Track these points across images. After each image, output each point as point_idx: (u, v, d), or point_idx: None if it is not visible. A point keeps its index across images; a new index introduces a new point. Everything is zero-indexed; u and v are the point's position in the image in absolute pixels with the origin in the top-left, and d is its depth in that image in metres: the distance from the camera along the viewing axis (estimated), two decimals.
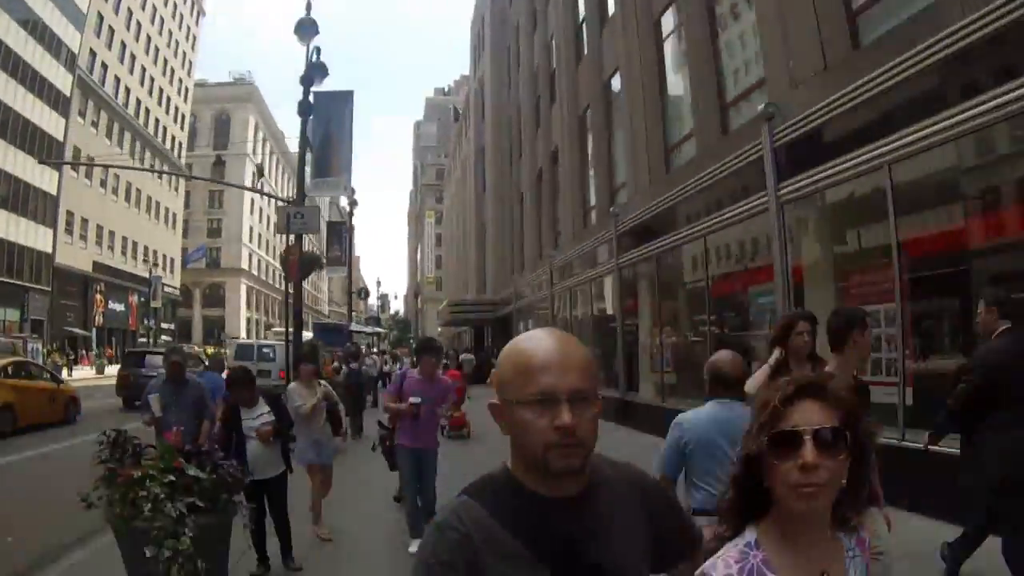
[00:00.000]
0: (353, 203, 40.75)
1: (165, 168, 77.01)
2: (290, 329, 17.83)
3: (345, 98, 20.89)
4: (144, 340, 65.82)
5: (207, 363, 17.40)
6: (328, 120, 19.82)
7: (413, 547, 7.26)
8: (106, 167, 58.45)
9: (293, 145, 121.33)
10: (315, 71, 17.26)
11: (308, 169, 19.70)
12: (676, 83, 18.61)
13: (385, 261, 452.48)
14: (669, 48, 18.74)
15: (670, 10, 17.85)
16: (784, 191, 11.62)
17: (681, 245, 16.59)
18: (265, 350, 29.34)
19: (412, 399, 7.93)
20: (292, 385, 9.39)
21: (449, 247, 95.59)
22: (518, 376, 1.65)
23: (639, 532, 1.79)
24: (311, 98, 17.99)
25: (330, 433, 9.26)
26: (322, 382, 9.62)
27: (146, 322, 68.91)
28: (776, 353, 5.36)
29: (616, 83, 22.06)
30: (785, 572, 1.68)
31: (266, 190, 76.34)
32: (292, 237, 17.55)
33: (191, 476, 5.56)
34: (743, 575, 1.67)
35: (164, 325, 74.41)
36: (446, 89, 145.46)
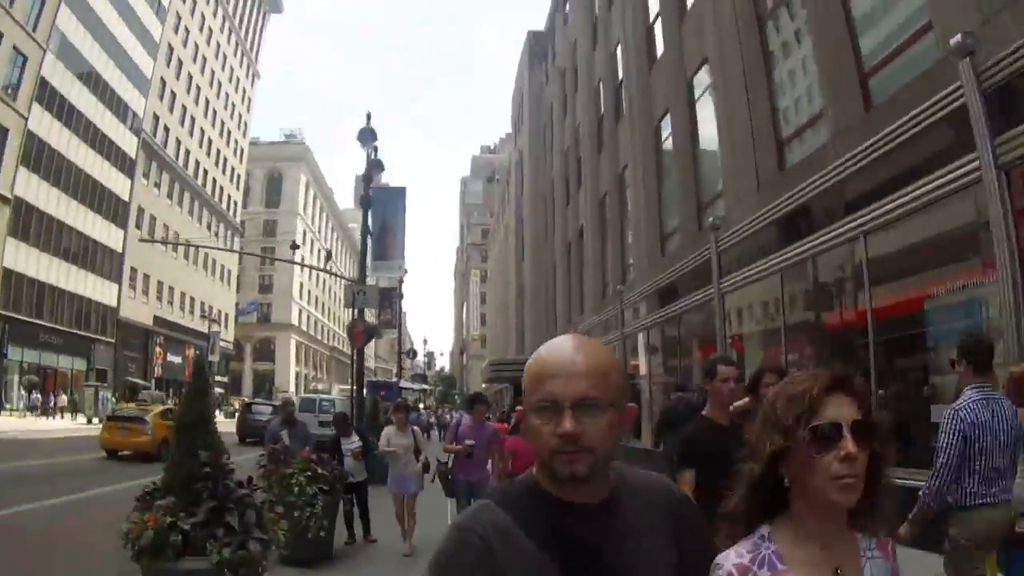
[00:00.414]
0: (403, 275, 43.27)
1: (223, 230, 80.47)
2: (354, 387, 20.22)
3: (399, 193, 24.55)
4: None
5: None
6: (384, 211, 22.86)
7: None
8: (191, 246, 62.79)
9: (341, 201, 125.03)
10: (374, 168, 19.36)
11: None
12: (670, 181, 21.18)
13: (431, 314, 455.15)
14: (668, 148, 21.13)
15: (667, 117, 20.17)
16: (724, 284, 15.59)
17: (667, 319, 19.88)
18: (324, 403, 33.64)
19: (467, 441, 9.63)
20: (388, 429, 11.33)
21: (492, 306, 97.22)
22: (531, 382, 1.66)
23: (663, 546, 1.74)
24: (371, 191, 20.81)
25: (416, 470, 10.85)
26: (415, 429, 11.58)
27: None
28: (747, 400, 5.52)
29: (628, 175, 24.34)
30: (797, 566, 1.69)
31: (333, 270, 79.41)
32: (356, 311, 20.25)
33: (320, 473, 9.63)
34: (755, 563, 1.69)
35: (218, 378, 76.51)
36: (492, 147, 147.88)
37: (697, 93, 18.68)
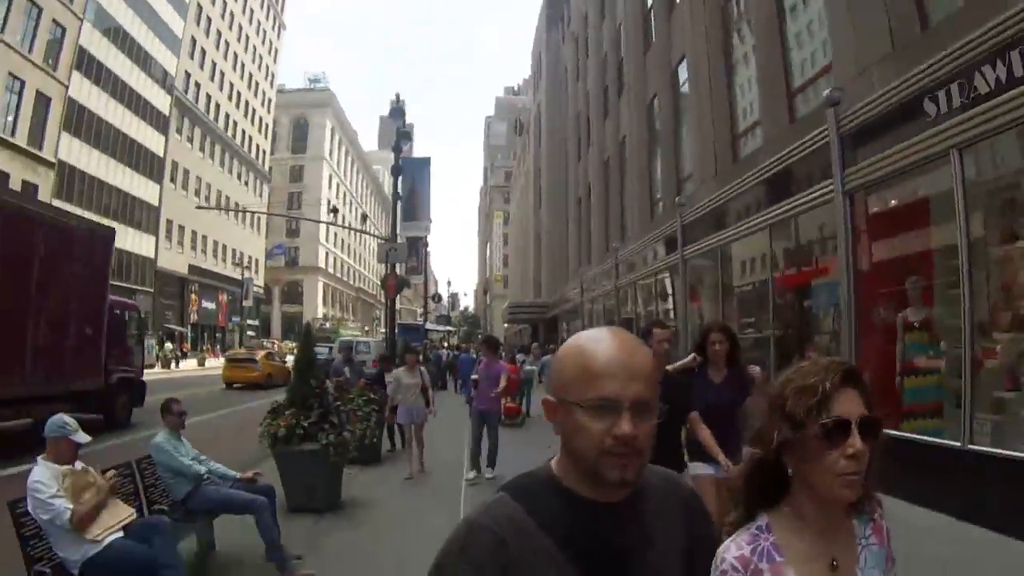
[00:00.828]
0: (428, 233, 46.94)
1: (252, 178, 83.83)
2: (384, 330, 23.55)
3: (425, 162, 28.39)
4: (234, 335, 72.85)
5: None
6: (413, 178, 26.46)
7: (468, 475, 11.80)
8: (239, 211, 67.92)
9: (366, 144, 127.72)
10: (403, 138, 22.56)
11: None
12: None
13: (455, 251, 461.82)
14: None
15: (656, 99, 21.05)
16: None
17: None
18: (361, 346, 35.78)
19: (474, 376, 12.72)
20: (398, 370, 13.22)
21: (514, 249, 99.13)
22: (580, 378, 1.56)
23: (678, 544, 1.69)
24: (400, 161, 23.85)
25: (422, 403, 12.77)
26: (422, 368, 13.43)
27: (233, 319, 75.15)
28: (692, 357, 6.37)
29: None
30: (794, 557, 1.69)
31: (371, 231, 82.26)
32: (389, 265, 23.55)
33: (372, 397, 12.81)
34: (755, 555, 1.70)
35: (249, 321, 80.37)
36: (515, 88, 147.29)
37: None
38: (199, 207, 60.40)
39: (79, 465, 5.41)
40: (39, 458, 5.27)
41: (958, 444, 8.34)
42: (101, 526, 5.17)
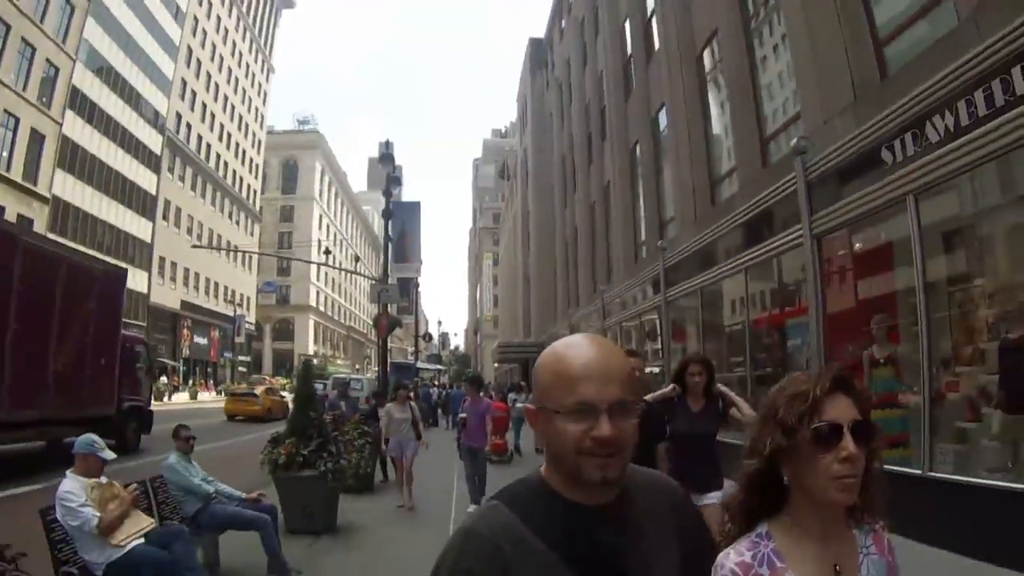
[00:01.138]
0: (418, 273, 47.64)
1: (243, 217, 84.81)
2: (375, 368, 23.93)
3: (415, 206, 29.75)
4: (225, 370, 73.25)
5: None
6: (404, 221, 27.32)
7: (469, 508, 11.55)
8: (234, 251, 68.25)
9: (355, 184, 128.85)
10: (393, 183, 23.27)
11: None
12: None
13: (445, 292, 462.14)
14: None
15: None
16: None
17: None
18: (354, 383, 35.73)
19: (462, 414, 13.13)
20: (390, 405, 13.58)
21: (504, 290, 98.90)
22: (557, 384, 1.60)
23: (670, 544, 1.71)
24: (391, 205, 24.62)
25: (412, 436, 13.17)
26: (412, 404, 13.86)
27: (225, 355, 75.68)
28: (672, 387, 6.55)
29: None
30: (796, 562, 1.70)
31: (365, 273, 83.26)
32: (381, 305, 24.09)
33: (365, 430, 13.60)
34: (755, 561, 1.72)
35: (241, 357, 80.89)
36: (503, 130, 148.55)
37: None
38: (195, 246, 61.05)
39: (104, 479, 5.96)
40: (68, 472, 5.85)
41: (919, 472, 8.86)
42: (124, 533, 5.72)
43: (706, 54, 18.40)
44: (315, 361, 78.43)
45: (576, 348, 1.65)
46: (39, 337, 15.05)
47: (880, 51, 10.74)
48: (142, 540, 5.78)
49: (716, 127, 18.09)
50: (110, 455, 6.11)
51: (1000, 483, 7.74)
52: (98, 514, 5.59)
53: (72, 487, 5.63)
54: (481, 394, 14.02)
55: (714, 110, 18.18)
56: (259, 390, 38.82)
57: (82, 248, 43.55)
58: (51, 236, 35.11)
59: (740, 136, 15.81)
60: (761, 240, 13.89)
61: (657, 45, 22.24)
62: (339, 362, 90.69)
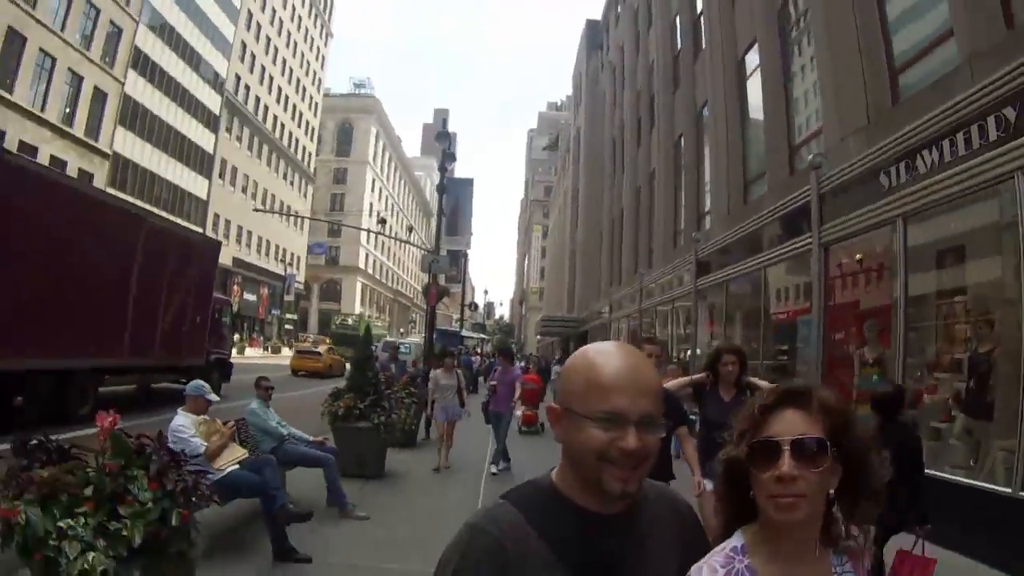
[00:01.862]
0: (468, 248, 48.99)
1: (297, 178, 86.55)
2: (420, 333, 25.23)
3: (468, 183, 31.20)
4: (272, 327, 75.38)
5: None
6: (457, 197, 28.58)
7: (492, 469, 13.05)
8: (299, 216, 69.14)
9: (409, 150, 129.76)
10: (448, 159, 24.51)
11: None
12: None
13: (494, 260, 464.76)
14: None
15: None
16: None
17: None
18: (403, 347, 38.32)
19: (491, 381, 14.40)
20: (437, 371, 14.41)
21: (551, 263, 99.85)
22: (589, 389, 1.61)
23: (673, 557, 1.73)
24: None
25: (457, 403, 13.83)
26: (458, 372, 14.65)
27: (273, 312, 77.79)
28: (704, 375, 6.72)
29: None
30: None
31: (413, 240, 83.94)
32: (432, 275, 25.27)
33: (412, 391, 14.96)
34: None
35: (288, 315, 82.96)
36: (559, 104, 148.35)
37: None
38: (256, 210, 62.96)
39: (207, 417, 7.45)
40: (180, 409, 7.37)
41: None
42: (224, 459, 7.19)
43: (748, 59, 19.29)
44: (348, 320, 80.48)
45: (610, 357, 1.66)
46: (153, 298, 18.09)
47: (895, 79, 11.83)
48: (237, 466, 7.25)
49: (752, 130, 19.09)
50: (215, 397, 7.67)
51: (962, 479, 8.91)
52: (204, 443, 7.05)
53: (183, 422, 7.08)
54: (512, 365, 14.98)
55: (752, 113, 19.15)
56: (322, 348, 43.02)
57: (140, 203, 45.49)
58: (110, 190, 37.17)
59: (772, 141, 16.90)
60: (779, 243, 15.18)
61: (704, 44, 23.24)
62: (378, 323, 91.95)
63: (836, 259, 13.03)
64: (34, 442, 4.33)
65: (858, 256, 12.66)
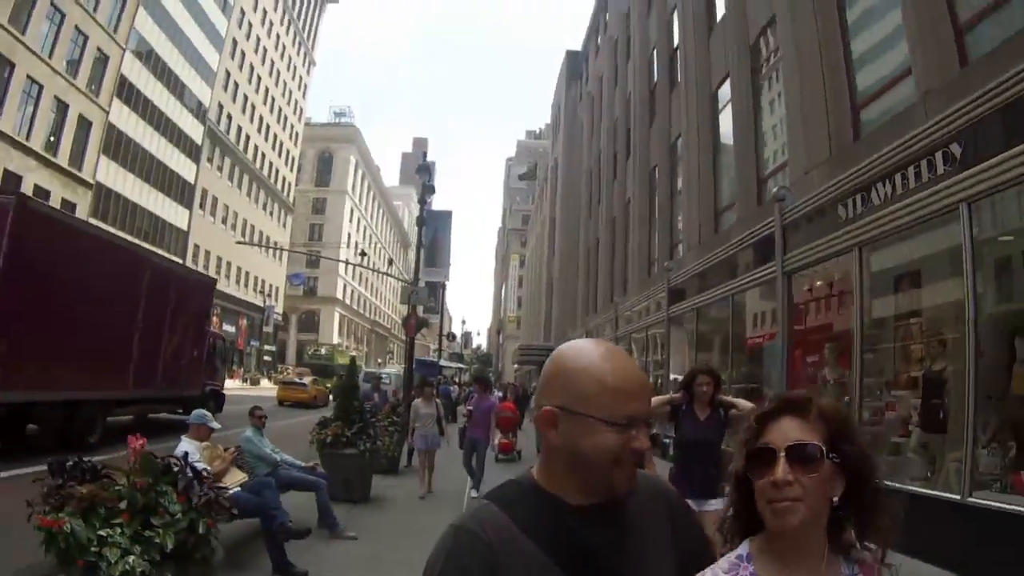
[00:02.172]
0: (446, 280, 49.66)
1: (276, 208, 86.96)
2: (396, 363, 25.81)
3: (447, 215, 31.62)
4: (251, 359, 75.38)
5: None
6: (436, 229, 29.35)
7: (472, 492, 13.46)
8: (282, 249, 69.92)
9: (387, 179, 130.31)
10: (427, 192, 25.08)
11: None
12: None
13: (471, 289, 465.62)
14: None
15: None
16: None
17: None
18: (384, 377, 37.94)
19: (468, 407, 14.87)
20: (417, 400, 14.73)
21: (528, 292, 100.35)
22: (605, 393, 1.61)
23: (664, 546, 1.75)
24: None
25: (436, 431, 14.32)
26: (437, 401, 15.09)
27: (252, 343, 77.76)
28: (681, 393, 6.95)
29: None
30: None
31: (392, 272, 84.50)
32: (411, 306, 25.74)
33: (395, 420, 15.68)
34: None
35: (266, 347, 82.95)
36: (537, 132, 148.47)
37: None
38: (239, 242, 63.47)
39: (209, 443, 7.95)
40: (184, 436, 7.86)
41: None
42: (226, 482, 7.69)
43: (720, 92, 19.97)
44: (321, 351, 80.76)
45: (618, 358, 1.68)
46: (156, 334, 19.29)
47: (857, 115, 12.50)
48: (239, 488, 7.74)
49: (723, 161, 19.76)
50: (216, 425, 8.20)
51: (920, 489, 9.47)
52: (208, 467, 7.52)
53: (188, 447, 7.53)
54: (488, 393, 15.61)
55: (723, 145, 19.82)
56: (307, 380, 45.20)
57: (121, 234, 45.74)
58: (92, 221, 37.11)
59: (741, 173, 17.58)
60: (747, 271, 15.83)
61: (680, 77, 23.91)
62: (353, 353, 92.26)
63: (799, 286, 13.69)
64: (70, 463, 4.84)
65: (819, 283, 13.34)
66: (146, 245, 54.85)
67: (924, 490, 9.26)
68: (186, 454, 6.26)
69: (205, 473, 7.36)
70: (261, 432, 9.59)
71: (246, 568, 7.56)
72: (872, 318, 11.38)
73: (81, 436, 15.59)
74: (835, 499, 1.66)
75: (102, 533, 4.30)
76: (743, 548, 1.74)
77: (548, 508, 1.65)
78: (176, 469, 5.06)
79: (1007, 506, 7.79)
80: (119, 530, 4.36)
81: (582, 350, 1.72)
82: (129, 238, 33.71)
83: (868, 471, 1.70)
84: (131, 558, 4.22)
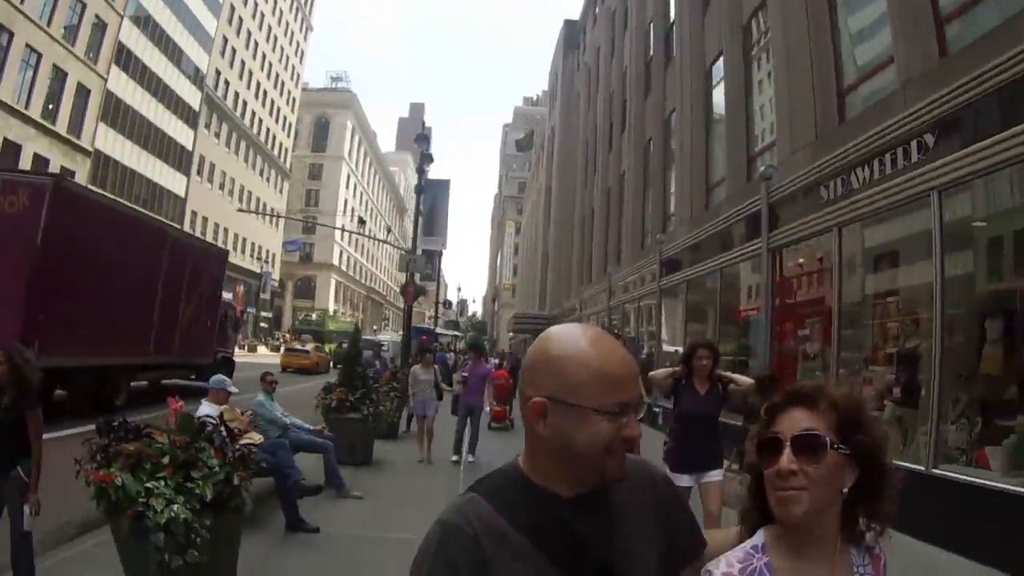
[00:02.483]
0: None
1: (274, 174, 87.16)
2: (400, 332, 26.37)
3: (445, 184, 31.77)
4: (248, 325, 75.99)
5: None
6: (434, 197, 29.60)
7: (452, 457, 13.91)
8: (281, 217, 70.80)
9: (384, 145, 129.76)
10: (426, 160, 25.54)
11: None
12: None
13: (467, 256, 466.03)
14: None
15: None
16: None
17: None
18: (383, 344, 39.18)
19: (463, 374, 15.33)
20: (416, 367, 15.09)
21: (524, 260, 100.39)
22: (595, 381, 1.58)
23: (651, 531, 1.73)
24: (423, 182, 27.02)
25: (434, 396, 14.76)
26: (435, 367, 15.53)
27: (248, 310, 78.18)
28: (681, 367, 7.02)
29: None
30: None
31: (394, 242, 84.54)
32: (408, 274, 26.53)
33: (395, 385, 16.48)
34: (743, 574, 1.69)
35: (263, 313, 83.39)
36: (534, 99, 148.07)
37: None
38: (240, 211, 64.30)
39: (227, 406, 8.54)
40: (204, 400, 8.44)
41: None
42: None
43: (714, 69, 20.34)
44: (312, 316, 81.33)
45: (606, 345, 1.65)
46: (174, 304, 20.76)
47: (842, 99, 12.97)
48: (255, 449, 8.33)
49: (715, 137, 20.23)
50: (234, 389, 8.79)
51: (893, 462, 10.10)
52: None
53: (208, 410, 8.10)
54: (482, 360, 16.11)
55: (716, 122, 20.26)
56: (310, 347, 48.24)
57: (120, 200, 46.05)
58: (91, 187, 37.77)
59: (732, 150, 18.08)
60: (735, 246, 16.37)
61: (675, 52, 24.32)
62: (344, 319, 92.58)
63: (784, 263, 14.28)
64: (115, 423, 5.42)
65: (802, 260, 13.91)
66: (143, 210, 55.52)
67: (896, 462, 9.84)
68: (208, 416, 6.84)
69: (237, 431, 8.04)
70: (272, 397, 10.18)
71: (262, 524, 8.12)
72: (851, 296, 11.96)
73: (109, 399, 17.04)
74: (845, 490, 1.68)
75: (148, 485, 4.91)
76: (758, 538, 1.76)
77: (535, 499, 1.64)
78: (210, 428, 5.66)
79: (967, 478, 8.37)
80: (163, 482, 4.96)
81: (569, 337, 1.68)
82: (127, 203, 34.38)
83: (880, 462, 1.71)
84: (175, 507, 4.81)
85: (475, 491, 1.68)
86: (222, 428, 5.82)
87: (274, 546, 7.71)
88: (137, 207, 40.39)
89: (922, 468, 9.06)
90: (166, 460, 5.14)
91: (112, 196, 37.53)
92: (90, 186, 40.80)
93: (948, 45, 10.04)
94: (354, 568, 7.34)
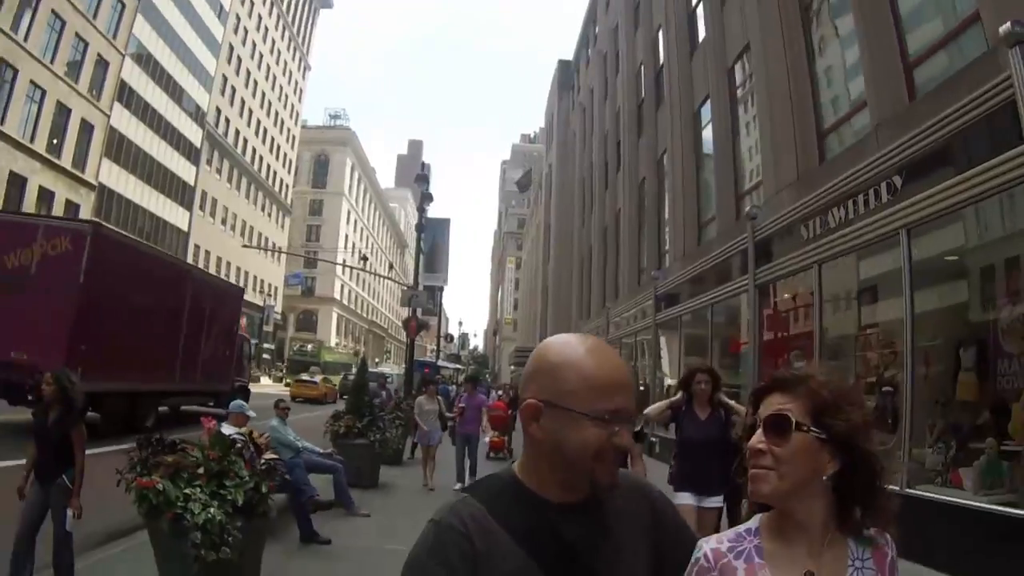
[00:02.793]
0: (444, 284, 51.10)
1: (275, 210, 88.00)
2: (403, 365, 27.03)
3: (445, 223, 32.95)
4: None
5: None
6: (434, 235, 30.64)
7: (455, 486, 13.16)
8: (283, 252, 70.89)
9: (383, 181, 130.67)
10: (426, 200, 26.32)
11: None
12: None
13: (467, 290, 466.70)
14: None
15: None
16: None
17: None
18: (388, 376, 39.87)
19: (460, 404, 15.61)
20: (420, 398, 15.92)
21: (524, 295, 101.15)
22: (588, 387, 1.61)
23: (642, 543, 1.75)
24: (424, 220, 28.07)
25: (438, 427, 15.27)
26: (439, 398, 16.28)
27: (252, 342, 78.46)
28: (680, 394, 6.94)
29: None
30: (773, 563, 1.70)
31: (393, 277, 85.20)
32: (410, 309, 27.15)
33: (399, 415, 16.81)
34: (731, 553, 1.72)
35: (265, 345, 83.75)
36: (532, 136, 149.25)
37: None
38: (245, 246, 65.15)
39: (246, 429, 9.17)
40: (224, 423, 9.06)
41: None
42: None
43: (703, 111, 21.04)
44: (308, 347, 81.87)
45: (602, 353, 1.68)
46: (196, 336, 22.64)
47: (822, 141, 13.71)
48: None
49: (705, 177, 20.94)
50: (253, 414, 9.46)
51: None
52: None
53: (229, 432, 8.72)
54: (476, 390, 16.39)
55: (706, 162, 21.00)
56: (318, 379, 50.61)
57: (124, 232, 46.63)
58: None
59: (721, 189, 18.79)
60: (724, 282, 17.08)
61: (665, 94, 25.04)
62: (341, 351, 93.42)
63: (769, 298, 14.99)
64: (154, 439, 6.11)
65: (787, 295, 14.61)
66: (170, 254, 56.03)
67: None
68: (237, 434, 7.51)
69: (263, 447, 8.69)
70: (285, 422, 10.86)
71: (278, 536, 8.70)
72: (833, 329, 12.69)
73: (140, 421, 18.70)
74: (826, 477, 1.67)
75: (187, 491, 5.59)
76: (753, 522, 1.78)
77: (527, 503, 1.66)
78: (240, 444, 6.33)
79: (935, 496, 8.98)
80: (199, 489, 5.65)
81: (567, 344, 1.71)
82: (131, 236, 35.05)
83: (859, 449, 1.68)
84: (211, 510, 5.50)
85: (468, 492, 1.73)
86: (250, 445, 6.48)
87: (291, 555, 8.39)
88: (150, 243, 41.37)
89: (897, 488, 9.61)
90: (201, 470, 5.85)
91: (116, 229, 38.74)
92: (94, 219, 41.76)
93: (916, 89, 10.69)
94: (364, 575, 8.02)
